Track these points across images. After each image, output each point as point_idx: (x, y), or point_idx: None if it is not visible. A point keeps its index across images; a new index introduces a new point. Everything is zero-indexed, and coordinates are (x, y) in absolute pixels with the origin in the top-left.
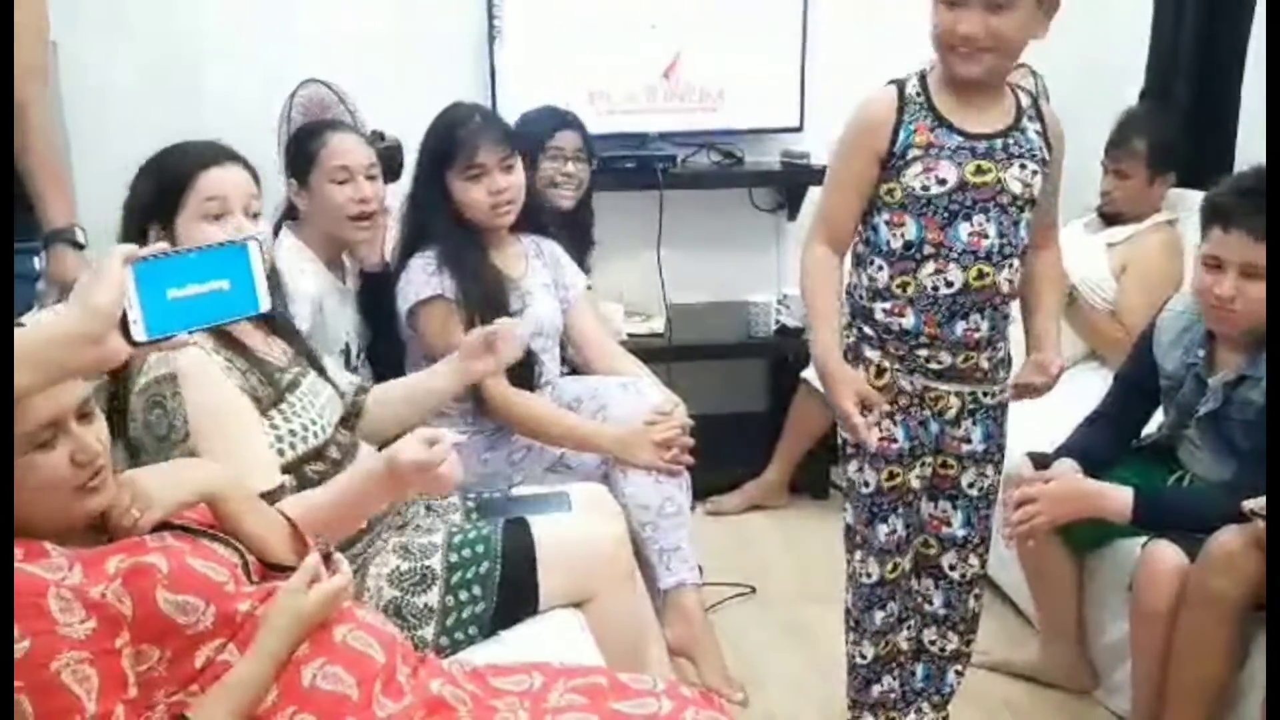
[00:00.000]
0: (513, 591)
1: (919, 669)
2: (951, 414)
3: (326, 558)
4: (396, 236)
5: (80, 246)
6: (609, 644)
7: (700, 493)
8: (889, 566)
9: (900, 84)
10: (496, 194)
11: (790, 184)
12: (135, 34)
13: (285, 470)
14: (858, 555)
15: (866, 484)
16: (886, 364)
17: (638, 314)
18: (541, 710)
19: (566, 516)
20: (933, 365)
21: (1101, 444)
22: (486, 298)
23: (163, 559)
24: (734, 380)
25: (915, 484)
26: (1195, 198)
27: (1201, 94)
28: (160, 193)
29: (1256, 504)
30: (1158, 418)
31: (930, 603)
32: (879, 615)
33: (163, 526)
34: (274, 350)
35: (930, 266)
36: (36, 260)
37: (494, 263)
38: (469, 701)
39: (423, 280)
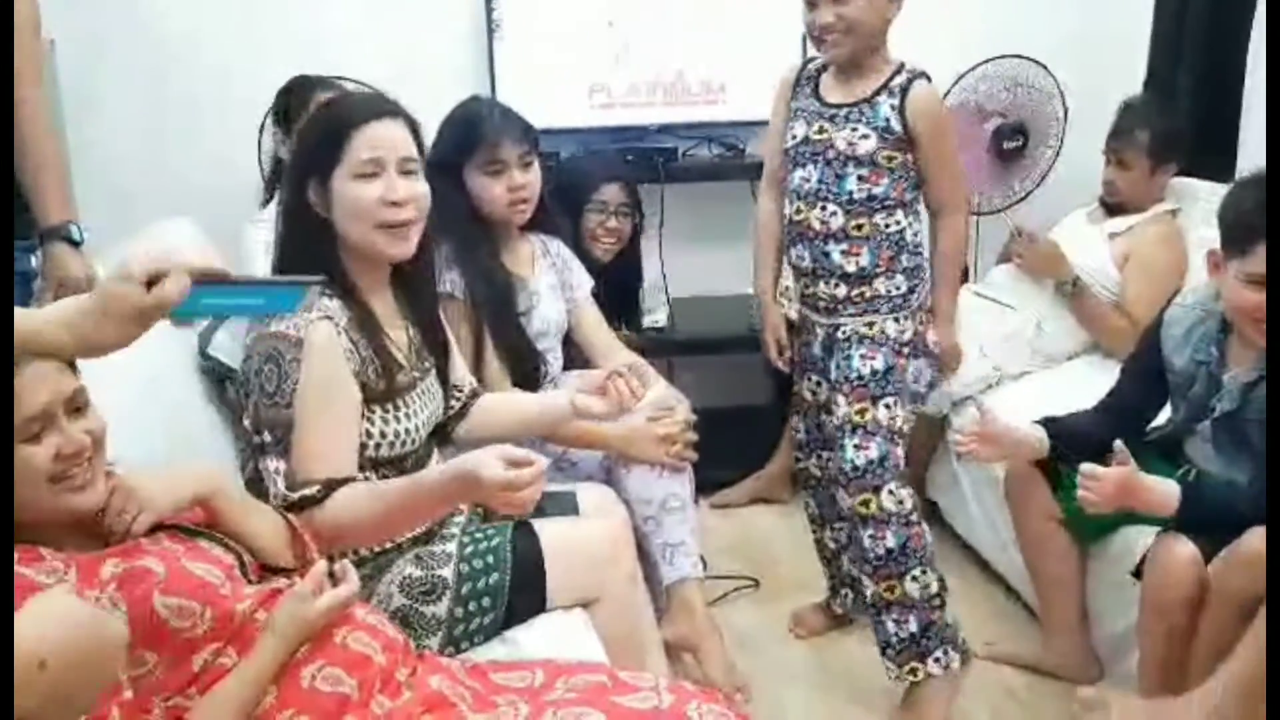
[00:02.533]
0: (520, 596)
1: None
2: (820, 338)
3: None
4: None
5: (77, 243)
6: (612, 644)
7: (703, 486)
8: (795, 457)
9: (808, 60)
10: (515, 190)
11: None
12: (133, 30)
13: (369, 466)
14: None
15: (794, 384)
16: (793, 291)
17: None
18: (542, 705)
19: (573, 519)
20: (800, 289)
21: (1105, 434)
22: (495, 298)
23: (158, 563)
24: (737, 374)
25: (808, 396)
26: (1197, 187)
27: (1204, 83)
28: (317, 147)
29: None
30: (1165, 411)
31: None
32: (803, 495)
33: (158, 528)
34: (402, 339)
35: (784, 201)
36: (33, 258)
37: (504, 261)
38: (469, 698)
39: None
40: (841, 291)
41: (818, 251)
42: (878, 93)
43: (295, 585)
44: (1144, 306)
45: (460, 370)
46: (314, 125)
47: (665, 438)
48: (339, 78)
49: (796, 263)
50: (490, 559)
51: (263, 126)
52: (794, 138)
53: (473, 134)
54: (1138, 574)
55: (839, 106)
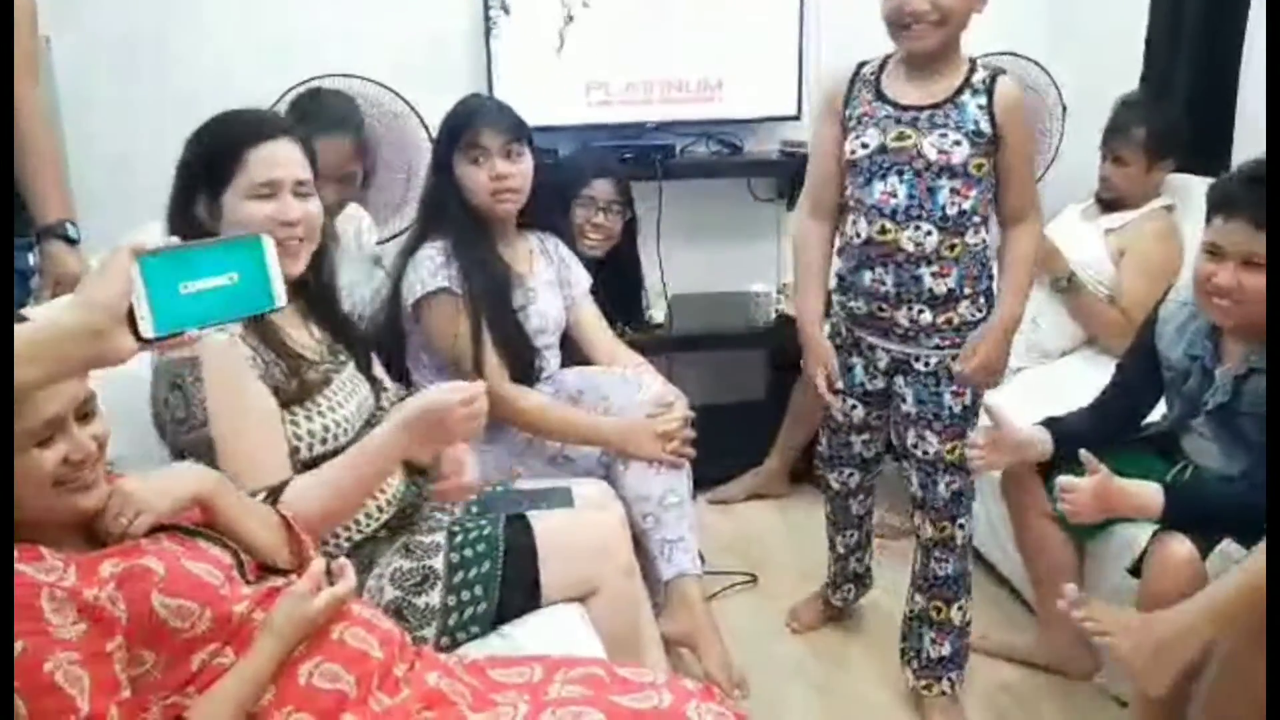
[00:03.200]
0: (514, 589)
1: (903, 630)
2: (882, 365)
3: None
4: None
5: (73, 241)
6: (610, 639)
7: (701, 482)
8: (816, 465)
9: (862, 64)
10: (497, 178)
11: (789, 173)
12: (129, 28)
13: (302, 468)
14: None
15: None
16: (837, 306)
17: None
18: (542, 703)
19: (568, 512)
20: (854, 309)
21: (1101, 432)
22: (492, 293)
23: (158, 562)
24: (734, 370)
25: (839, 417)
26: (1194, 184)
27: (1200, 80)
28: (209, 164)
29: None
30: (1160, 407)
31: (914, 561)
32: (824, 499)
33: (157, 528)
34: (308, 340)
35: (851, 218)
36: (31, 256)
37: (502, 257)
38: (468, 695)
39: (429, 272)
40: (926, 317)
41: (905, 276)
42: (959, 91)
43: (293, 584)
44: (1139, 302)
45: (389, 380)
46: (206, 139)
47: (663, 434)
48: (348, 75)
49: (873, 287)
50: (481, 548)
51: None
52: (865, 147)
53: (458, 124)
54: (1135, 571)
55: (918, 109)
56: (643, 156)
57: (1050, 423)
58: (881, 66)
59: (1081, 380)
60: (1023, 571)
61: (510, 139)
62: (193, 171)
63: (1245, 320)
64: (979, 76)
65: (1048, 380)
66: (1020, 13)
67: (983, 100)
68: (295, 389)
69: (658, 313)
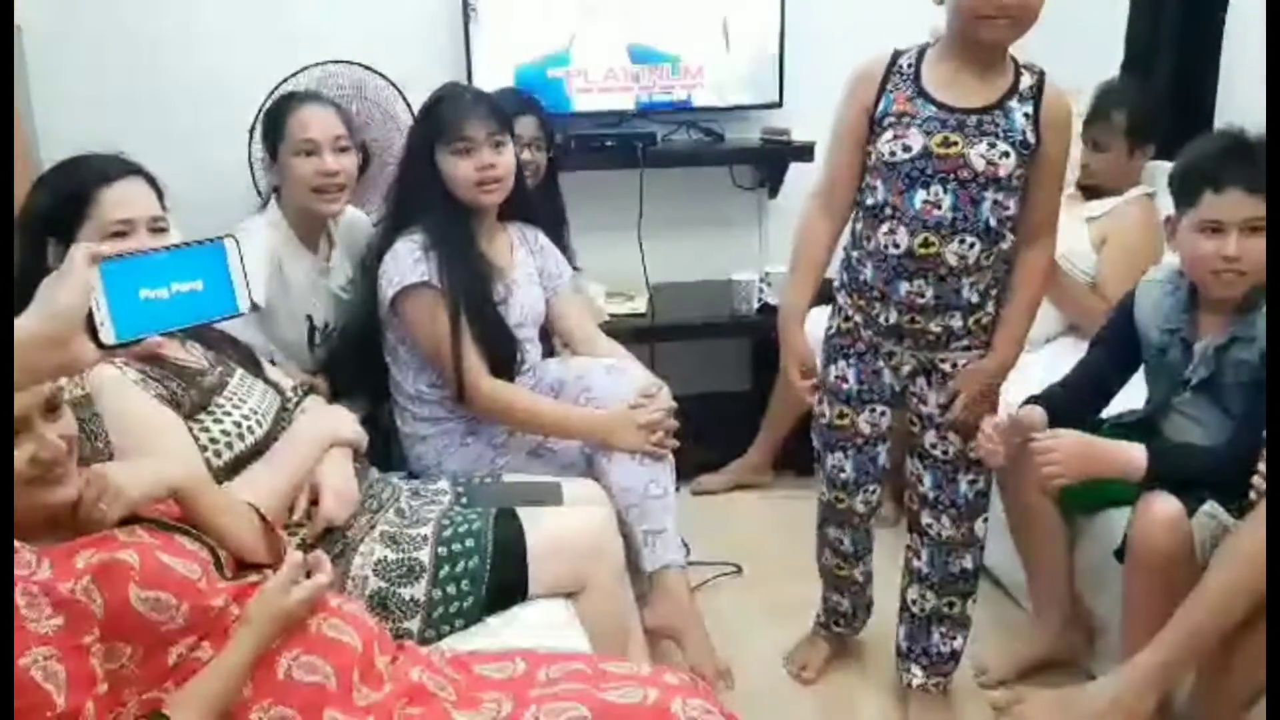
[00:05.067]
0: (502, 584)
1: (902, 630)
2: (906, 370)
3: (309, 549)
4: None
5: None
6: (596, 636)
7: (685, 472)
8: (835, 496)
9: (898, 53)
10: (483, 169)
11: (771, 161)
12: (107, 21)
13: (229, 469)
14: (818, 473)
15: (823, 415)
16: (851, 312)
17: (620, 294)
18: (526, 699)
19: (559, 510)
20: (881, 320)
21: (1069, 405)
22: (471, 284)
23: (134, 555)
24: (717, 359)
25: (865, 429)
26: None
27: (1181, 67)
28: (59, 206)
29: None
30: (1142, 394)
31: (915, 558)
32: (830, 532)
33: (133, 520)
34: (189, 355)
35: (885, 227)
36: None
37: (482, 250)
38: (451, 690)
39: (409, 265)
40: (957, 323)
41: (946, 289)
42: (1007, 96)
43: (270, 579)
44: (1121, 288)
45: (282, 377)
46: (53, 184)
47: (646, 425)
48: (337, 61)
49: (909, 299)
50: (470, 542)
51: (252, 129)
52: (907, 150)
53: (440, 116)
54: (1119, 556)
55: (966, 112)
56: (624, 144)
57: (1033, 400)
58: (920, 57)
59: (1066, 366)
60: (1010, 569)
61: (496, 129)
62: (42, 217)
63: (1252, 284)
64: (1026, 82)
65: (1032, 366)
66: None
67: (1029, 109)
68: (195, 397)
69: (639, 302)
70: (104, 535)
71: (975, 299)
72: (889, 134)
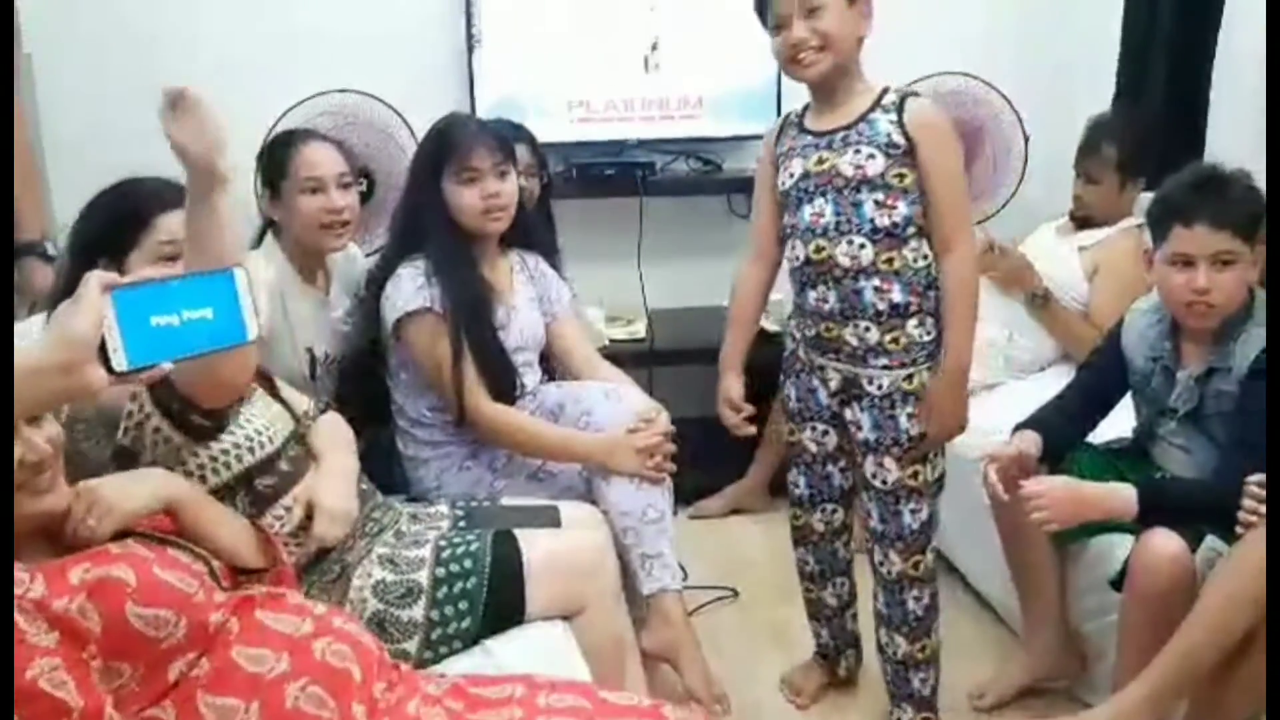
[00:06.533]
0: (499, 606)
1: (886, 669)
2: (833, 386)
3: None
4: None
5: (51, 259)
6: (593, 658)
7: (682, 496)
8: (793, 513)
9: (790, 112)
10: (489, 198)
11: None
12: (109, 45)
13: (236, 483)
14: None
15: (787, 434)
16: (795, 333)
17: (619, 319)
18: None
19: (556, 531)
20: (805, 332)
21: (1059, 427)
22: (473, 309)
23: (129, 571)
24: (715, 384)
25: (812, 447)
26: None
27: (1170, 101)
28: (117, 228)
29: (1257, 480)
30: (1131, 422)
31: (875, 599)
32: (797, 553)
33: (125, 534)
34: None
35: (789, 244)
36: None
37: (483, 276)
38: None
39: (411, 291)
40: (873, 336)
41: (846, 290)
42: (870, 110)
43: (268, 590)
44: (1112, 317)
45: (297, 396)
46: (112, 206)
47: (645, 449)
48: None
49: (817, 306)
50: (468, 563)
51: (260, 156)
52: (792, 176)
53: (446, 144)
54: (1117, 585)
55: (832, 132)
56: (624, 173)
57: (1023, 425)
58: (805, 109)
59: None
60: (1003, 594)
61: (501, 159)
62: (96, 236)
63: (1220, 319)
64: (889, 98)
65: (1026, 394)
66: (995, 44)
67: (893, 116)
68: (209, 423)
69: (639, 327)
70: (97, 550)
71: (883, 306)
72: (782, 169)
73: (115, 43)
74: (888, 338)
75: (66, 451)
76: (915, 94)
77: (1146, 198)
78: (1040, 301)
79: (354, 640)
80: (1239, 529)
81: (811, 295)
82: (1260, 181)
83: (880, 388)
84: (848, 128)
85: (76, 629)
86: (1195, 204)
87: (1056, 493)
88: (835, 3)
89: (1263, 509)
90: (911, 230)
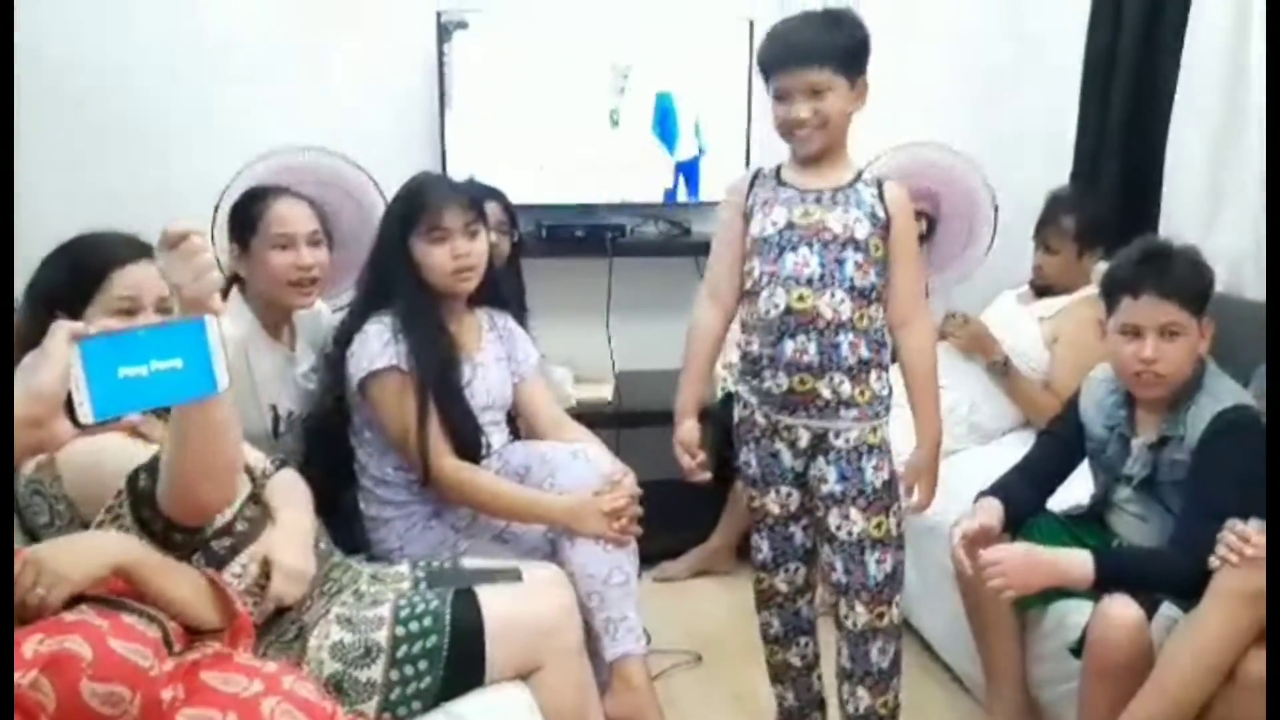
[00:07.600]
0: (460, 665)
1: None
2: (803, 444)
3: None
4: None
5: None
6: (555, 716)
7: (647, 558)
8: (757, 577)
9: (760, 169)
10: (459, 257)
11: None
12: (67, 95)
13: (192, 548)
14: None
15: (748, 500)
16: (748, 397)
17: (587, 380)
18: None
19: (517, 588)
20: (774, 389)
21: (1021, 494)
22: (439, 370)
23: (84, 645)
24: None
25: (775, 509)
26: None
27: (1126, 173)
28: (73, 283)
29: (1229, 542)
30: (1089, 489)
31: (839, 654)
32: (761, 616)
33: (78, 599)
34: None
35: (766, 293)
36: None
37: (450, 334)
38: None
39: (378, 349)
40: (845, 389)
41: (825, 344)
42: (854, 182)
43: (215, 650)
44: (1071, 385)
45: (254, 453)
46: (68, 258)
47: (611, 512)
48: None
49: (795, 357)
50: (428, 621)
51: (230, 211)
52: (775, 225)
53: (416, 203)
54: (1076, 652)
55: (819, 191)
56: (594, 235)
57: (986, 492)
58: (779, 169)
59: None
60: (963, 659)
61: (471, 219)
62: (52, 289)
63: (1169, 389)
64: (868, 175)
65: (988, 460)
66: (946, 106)
67: (875, 191)
68: (183, 537)
69: (605, 389)
70: (51, 620)
71: (855, 361)
72: (758, 217)
73: (79, 101)
74: (856, 390)
75: (18, 506)
76: (888, 178)
77: (1104, 267)
78: (1001, 369)
79: (303, 701)
80: (1213, 563)
81: (790, 346)
82: (1208, 258)
83: (848, 441)
84: (834, 190)
85: (28, 705)
86: (1142, 276)
87: (1014, 560)
88: (840, 86)
89: (1246, 549)
90: (875, 295)
